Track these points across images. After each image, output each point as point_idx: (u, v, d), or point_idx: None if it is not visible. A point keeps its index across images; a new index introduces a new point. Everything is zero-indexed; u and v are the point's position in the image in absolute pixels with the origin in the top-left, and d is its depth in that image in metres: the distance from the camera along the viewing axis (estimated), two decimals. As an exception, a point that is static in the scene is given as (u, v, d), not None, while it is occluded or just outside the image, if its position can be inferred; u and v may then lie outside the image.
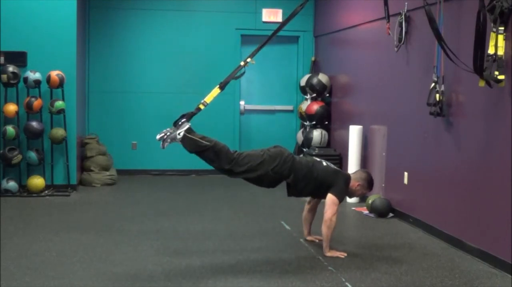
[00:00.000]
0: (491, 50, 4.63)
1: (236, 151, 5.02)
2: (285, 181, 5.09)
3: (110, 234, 5.74)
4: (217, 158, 4.91)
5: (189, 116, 4.97)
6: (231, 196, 7.89)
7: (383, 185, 7.01)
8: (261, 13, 9.65)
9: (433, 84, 5.67)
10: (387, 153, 6.97)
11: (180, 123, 4.91)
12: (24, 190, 7.63)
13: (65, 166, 7.87)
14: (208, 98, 5.15)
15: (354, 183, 5.23)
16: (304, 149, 8.95)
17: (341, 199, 5.13)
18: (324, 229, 5.09)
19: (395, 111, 6.76)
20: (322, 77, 8.98)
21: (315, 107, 8.92)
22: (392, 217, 6.64)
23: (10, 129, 7.47)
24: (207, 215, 6.73)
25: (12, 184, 7.53)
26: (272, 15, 9.66)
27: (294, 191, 5.18)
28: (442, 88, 5.60)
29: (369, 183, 5.30)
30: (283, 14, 9.63)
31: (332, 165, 5.28)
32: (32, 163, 7.66)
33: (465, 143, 5.38)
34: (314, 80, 9.00)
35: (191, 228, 6.08)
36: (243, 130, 9.74)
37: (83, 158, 8.54)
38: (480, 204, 5.12)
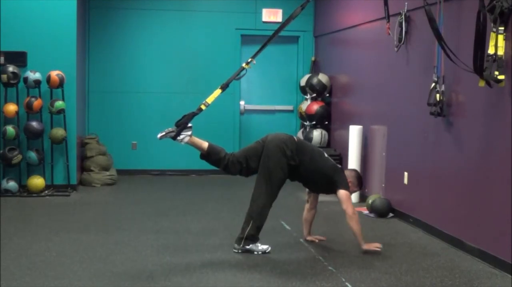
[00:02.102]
0: (491, 50, 4.63)
1: (232, 152, 5.23)
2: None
3: (110, 234, 5.74)
4: (217, 158, 5.12)
5: (190, 117, 5.01)
6: (231, 196, 7.88)
7: (383, 185, 7.01)
8: (261, 13, 9.65)
9: (433, 84, 5.67)
10: (387, 153, 6.97)
11: (183, 122, 4.96)
12: (24, 190, 7.63)
13: (65, 166, 7.87)
14: (210, 99, 5.19)
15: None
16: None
17: (350, 192, 5.23)
18: (354, 225, 5.14)
19: (395, 111, 6.76)
20: (322, 77, 8.98)
21: (315, 107, 8.92)
22: (392, 217, 6.64)
23: (10, 129, 7.47)
24: (207, 215, 6.73)
25: (12, 184, 7.53)
26: (272, 15, 9.66)
27: (301, 175, 5.20)
28: (443, 88, 5.60)
29: (359, 180, 5.39)
30: (283, 14, 9.63)
31: (331, 160, 5.32)
32: (32, 163, 7.66)
33: (465, 143, 5.38)
34: (314, 80, 9.00)
35: (191, 227, 6.08)
36: (243, 130, 9.74)
37: (83, 158, 8.54)
38: (480, 204, 5.12)
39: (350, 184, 5.26)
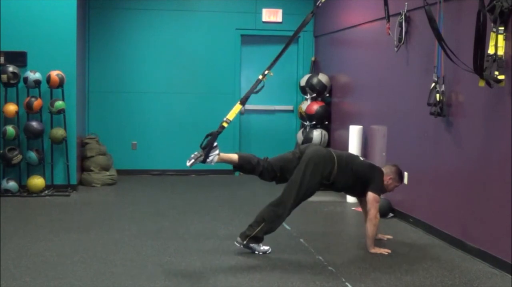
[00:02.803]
0: (491, 50, 4.63)
1: (266, 158, 5.20)
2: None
3: (110, 234, 5.74)
4: (250, 167, 5.10)
5: (214, 137, 4.94)
6: (231, 196, 7.89)
7: (383, 185, 7.00)
8: (261, 13, 9.65)
9: (433, 84, 5.67)
10: (387, 153, 6.97)
11: (209, 144, 4.92)
12: (24, 190, 7.63)
13: (65, 166, 7.87)
14: (231, 115, 5.13)
15: (386, 178, 5.31)
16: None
17: (380, 195, 5.24)
18: (370, 227, 5.16)
19: (395, 111, 6.76)
20: (322, 77, 8.98)
21: (315, 107, 8.92)
22: (392, 217, 6.64)
23: (10, 129, 7.47)
24: (207, 215, 6.73)
25: (12, 184, 7.53)
26: (272, 15, 9.66)
27: (333, 185, 5.22)
28: (443, 88, 5.60)
29: (399, 175, 5.39)
30: (283, 14, 9.64)
31: (367, 160, 5.33)
32: (32, 163, 7.66)
33: (465, 143, 5.38)
34: (314, 80, 9.00)
35: (191, 228, 6.08)
36: (243, 130, 9.73)
37: (83, 158, 8.54)
38: (480, 204, 5.12)
39: (391, 181, 5.30)
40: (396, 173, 5.36)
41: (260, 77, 5.27)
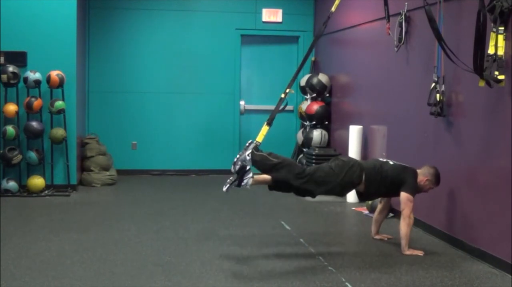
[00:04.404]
0: (491, 50, 4.63)
1: (304, 167, 5.16)
2: (355, 188, 5.24)
3: (110, 234, 5.74)
4: (290, 174, 4.98)
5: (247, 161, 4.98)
6: (231, 196, 7.87)
7: (383, 185, 7.00)
8: (261, 13, 9.65)
9: (433, 84, 5.67)
10: (387, 153, 6.97)
11: (247, 144, 4.99)
12: (24, 190, 7.63)
13: (65, 166, 7.87)
14: (259, 137, 5.17)
15: (422, 178, 5.31)
16: (304, 149, 8.95)
17: (414, 195, 5.24)
18: (404, 227, 5.19)
19: (395, 111, 6.76)
20: (322, 77, 8.98)
21: (315, 107, 8.91)
22: (392, 217, 6.64)
23: (10, 129, 7.47)
24: (207, 215, 6.73)
25: (12, 184, 7.53)
26: (272, 15, 9.66)
27: (366, 196, 5.33)
28: (443, 88, 5.60)
29: (437, 178, 5.37)
30: (283, 14, 9.64)
31: (398, 163, 5.38)
32: (32, 163, 7.66)
33: (465, 143, 5.38)
34: (314, 80, 8.99)
35: (191, 228, 6.08)
36: (243, 130, 9.73)
37: (83, 158, 8.54)
38: (480, 204, 5.12)
39: (427, 182, 5.31)
40: (434, 175, 5.34)
41: (282, 95, 5.40)
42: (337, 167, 5.09)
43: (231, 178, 4.96)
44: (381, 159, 5.43)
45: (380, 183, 5.20)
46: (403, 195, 5.20)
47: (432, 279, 4.57)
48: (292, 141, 9.67)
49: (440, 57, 5.60)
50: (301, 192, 5.12)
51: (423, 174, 5.33)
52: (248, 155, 4.91)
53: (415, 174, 5.30)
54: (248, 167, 4.93)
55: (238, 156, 4.93)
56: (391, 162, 5.35)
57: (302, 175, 5.00)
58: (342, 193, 5.36)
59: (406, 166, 5.37)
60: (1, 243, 5.25)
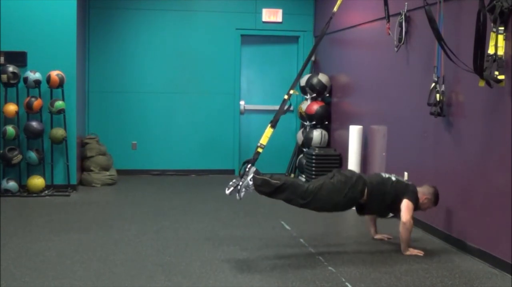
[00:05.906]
0: (491, 50, 4.63)
1: (307, 185, 5.08)
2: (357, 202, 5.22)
3: (110, 234, 5.74)
4: (294, 195, 4.96)
5: (252, 162, 4.98)
6: (231, 196, 7.86)
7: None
8: (261, 13, 9.65)
9: (433, 84, 5.67)
10: (387, 153, 6.97)
11: (246, 169, 4.94)
12: (24, 190, 7.63)
13: (65, 166, 7.87)
14: (263, 140, 5.16)
15: (421, 197, 5.30)
16: (304, 149, 8.95)
17: (415, 204, 5.22)
18: (402, 231, 5.18)
19: (395, 111, 6.76)
20: (322, 77, 8.98)
21: (315, 107, 8.91)
22: (392, 217, 6.63)
23: (10, 129, 7.47)
24: (207, 215, 6.73)
25: (12, 184, 7.53)
26: (272, 15, 9.66)
27: (367, 210, 5.31)
28: (443, 88, 5.60)
29: (436, 197, 5.38)
30: (283, 14, 9.64)
31: (401, 179, 5.40)
32: (32, 163, 7.66)
33: (465, 143, 5.38)
34: (314, 80, 8.99)
35: (191, 228, 6.08)
36: (243, 130, 9.74)
37: (83, 158, 8.54)
38: (480, 204, 5.12)
39: (426, 201, 5.32)
40: (433, 194, 5.35)
41: (286, 96, 5.35)
42: (339, 183, 5.06)
43: (234, 181, 4.95)
44: (383, 175, 5.37)
45: (382, 200, 5.21)
46: (405, 201, 5.18)
47: (432, 279, 4.57)
48: (292, 141, 9.68)
49: (440, 57, 5.60)
50: (306, 208, 5.15)
51: (422, 193, 5.32)
52: (250, 180, 4.89)
53: (416, 190, 5.30)
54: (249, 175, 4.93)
55: (240, 183, 4.88)
56: (393, 178, 5.31)
57: (305, 194, 4.98)
58: (345, 209, 5.34)
59: (408, 183, 5.37)
60: (1, 243, 5.25)
